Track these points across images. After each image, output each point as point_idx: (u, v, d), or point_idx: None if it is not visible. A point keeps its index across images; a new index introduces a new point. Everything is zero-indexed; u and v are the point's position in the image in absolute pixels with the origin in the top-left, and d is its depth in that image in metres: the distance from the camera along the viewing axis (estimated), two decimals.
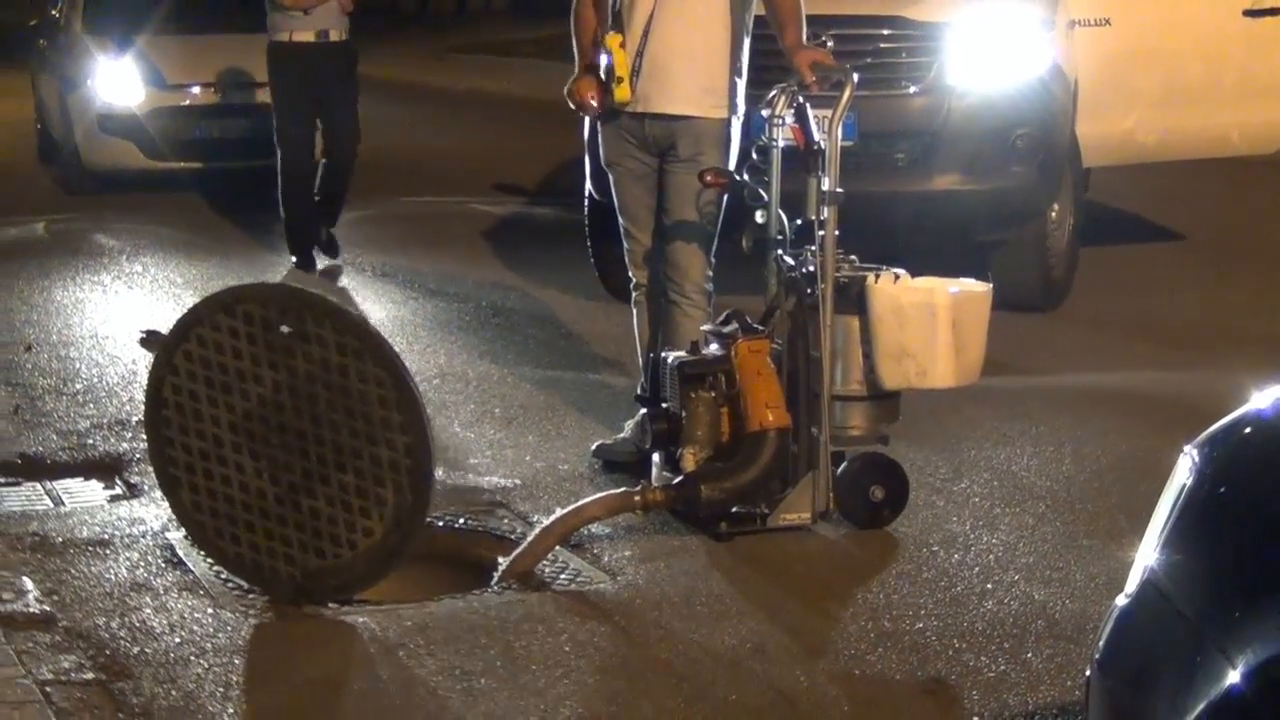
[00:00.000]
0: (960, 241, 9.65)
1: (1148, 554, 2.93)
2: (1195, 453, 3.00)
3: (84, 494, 6.73)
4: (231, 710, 4.79)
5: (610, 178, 7.09)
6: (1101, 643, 2.95)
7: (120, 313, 10.01)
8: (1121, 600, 2.96)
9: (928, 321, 6.10)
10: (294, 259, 11.32)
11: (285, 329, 5.43)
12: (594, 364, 8.79)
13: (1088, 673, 3.00)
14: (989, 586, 5.72)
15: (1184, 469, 2.90)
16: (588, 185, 9.88)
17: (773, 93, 6.46)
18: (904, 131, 9.22)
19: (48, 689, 4.78)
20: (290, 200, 11.29)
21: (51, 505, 6.56)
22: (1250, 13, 10.58)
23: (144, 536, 6.13)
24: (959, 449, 7.24)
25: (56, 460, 7.13)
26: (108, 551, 6.01)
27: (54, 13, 16.26)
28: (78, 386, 8.28)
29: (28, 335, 9.33)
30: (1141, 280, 10.97)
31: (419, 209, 14.25)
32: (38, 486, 6.80)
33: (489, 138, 19.44)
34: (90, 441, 7.33)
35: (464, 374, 8.52)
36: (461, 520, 6.39)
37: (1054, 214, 9.83)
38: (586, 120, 9.37)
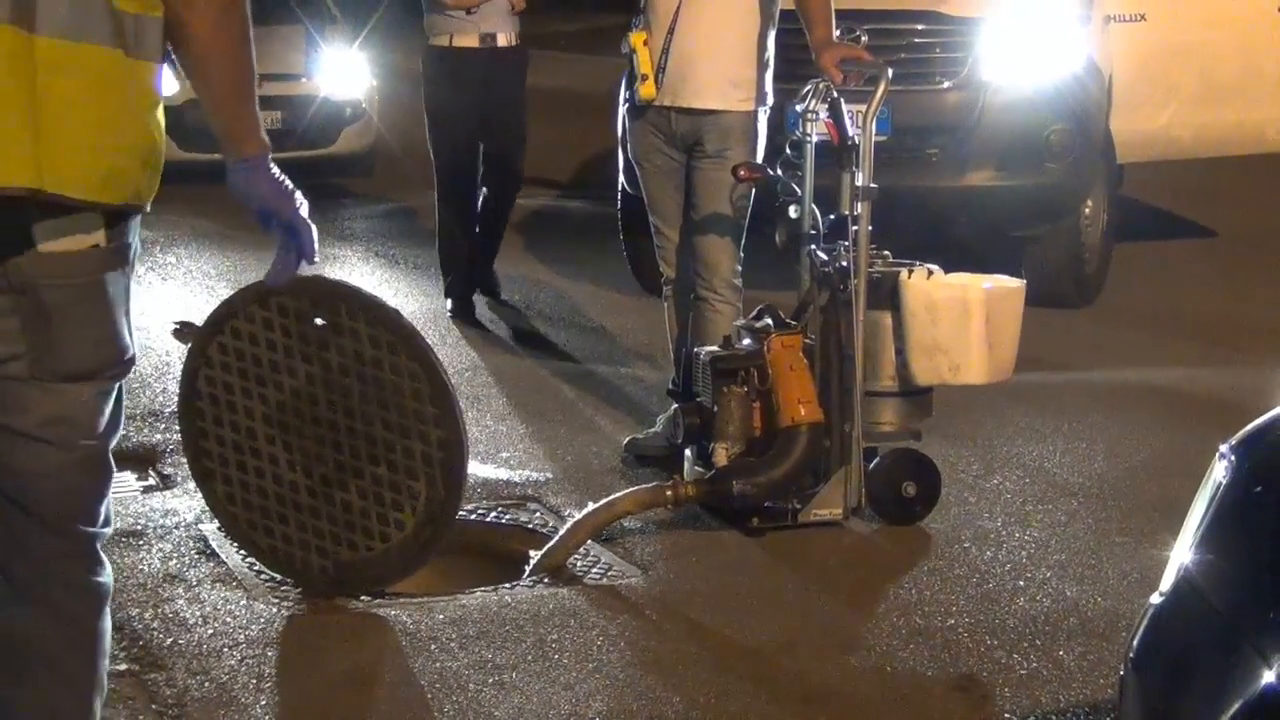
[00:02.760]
0: (993, 237, 9.64)
1: (1182, 553, 2.92)
2: (1231, 452, 2.99)
3: (117, 484, 6.65)
4: (264, 702, 4.80)
5: (639, 173, 7.09)
6: (1136, 641, 2.95)
7: (154, 304, 10.00)
8: (1156, 599, 2.95)
9: (961, 317, 6.10)
10: (449, 306, 9.70)
11: (319, 321, 5.44)
12: (626, 358, 8.79)
13: (1121, 671, 2.99)
14: (1021, 584, 5.71)
15: (1220, 469, 2.90)
16: (620, 179, 9.88)
17: (807, 87, 6.45)
18: (938, 127, 9.21)
19: None
20: (449, 236, 9.75)
21: None
22: None
23: (177, 528, 6.15)
24: (991, 445, 7.22)
25: None
26: (141, 543, 6.02)
27: None
28: None
29: None
30: (1174, 276, 10.94)
31: None
32: None
33: None
34: (124, 432, 7.31)
35: (496, 367, 8.53)
36: (492, 514, 6.40)
37: (1088, 210, 9.80)
38: (620, 114, 9.40)
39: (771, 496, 6.07)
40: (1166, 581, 2.96)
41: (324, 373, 5.44)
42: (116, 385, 3.59)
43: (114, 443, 3.62)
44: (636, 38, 6.77)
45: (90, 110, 3.33)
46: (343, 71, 14.78)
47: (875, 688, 4.92)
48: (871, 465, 6.23)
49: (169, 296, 10.29)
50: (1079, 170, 9.49)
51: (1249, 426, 3.10)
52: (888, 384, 6.25)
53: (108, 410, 3.57)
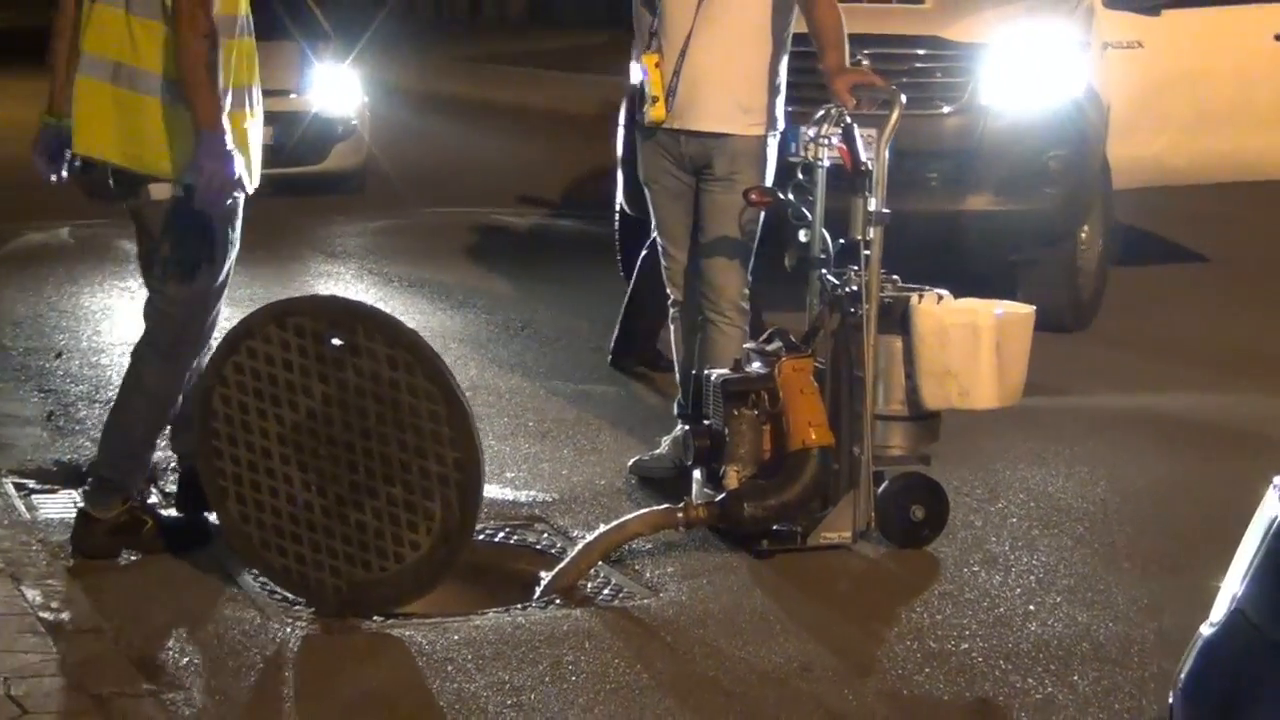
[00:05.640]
0: (991, 261, 9.68)
1: (1234, 584, 2.95)
2: None
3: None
4: None
5: (647, 195, 7.10)
6: (1184, 672, 2.98)
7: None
8: (1207, 630, 2.98)
9: (971, 342, 6.13)
10: (612, 357, 9.04)
11: (336, 342, 5.45)
12: (625, 379, 8.81)
13: (1170, 699, 3.02)
14: (1031, 608, 5.73)
15: (1274, 500, 2.93)
16: (618, 199, 9.90)
17: (820, 112, 6.47)
18: (938, 151, 9.26)
19: (102, 700, 4.79)
20: (643, 287, 8.69)
21: None
22: None
23: (186, 546, 6.14)
24: (994, 469, 7.25)
25: None
26: (148, 562, 6.01)
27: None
28: (111, 394, 8.23)
29: (58, 342, 9.35)
30: (1167, 302, 10.99)
31: (443, 220, 14.27)
32: (74, 494, 6.80)
33: (508, 149, 19.47)
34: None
35: (496, 387, 8.54)
36: (500, 534, 6.41)
37: (1084, 235, 9.86)
38: (620, 136, 9.43)
39: (781, 519, 6.09)
40: (1218, 613, 2.98)
41: (340, 393, 5.46)
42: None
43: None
44: (649, 59, 6.79)
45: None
46: (335, 88, 14.83)
47: (894, 711, 4.94)
48: (880, 489, 6.25)
49: None
50: (1077, 196, 9.56)
51: None
52: (897, 408, 6.27)
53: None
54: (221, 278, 5.92)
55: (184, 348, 5.95)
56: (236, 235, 5.91)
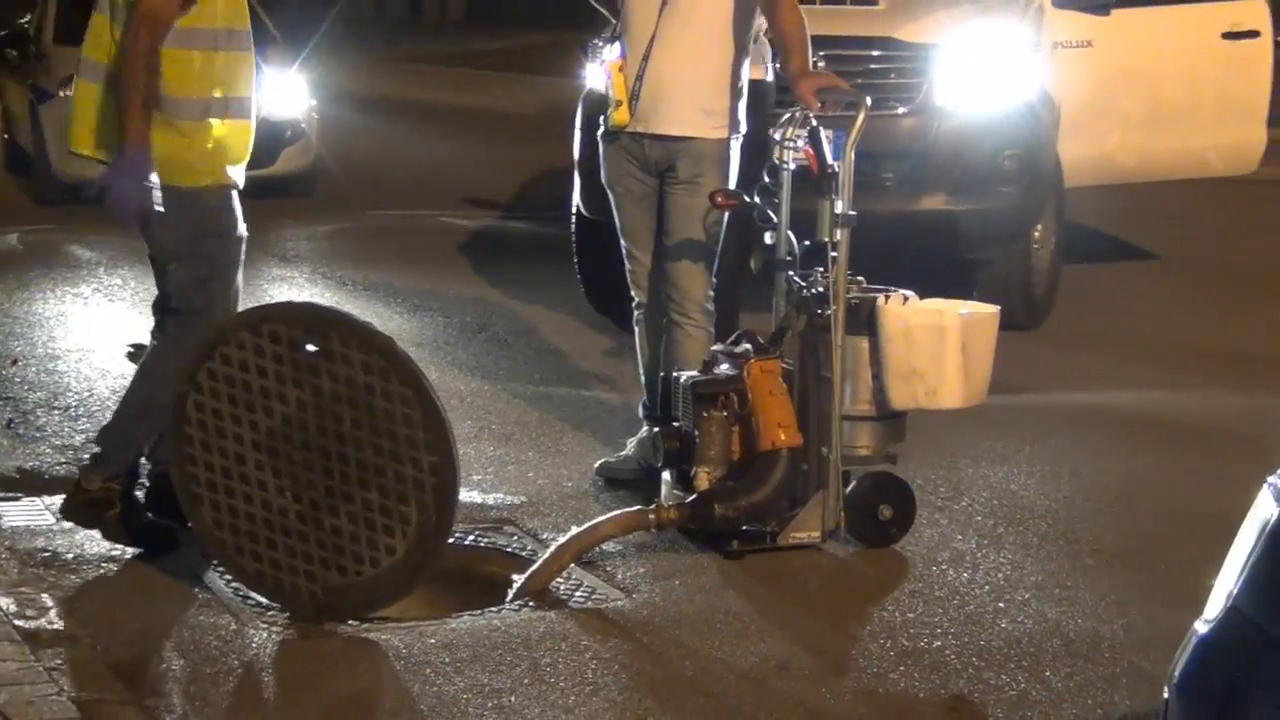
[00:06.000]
0: (945, 261, 9.74)
1: (1228, 582, 3.00)
2: None
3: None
4: None
5: (611, 198, 7.13)
6: (1179, 668, 3.02)
7: (104, 325, 10.00)
8: (1202, 627, 3.03)
9: (937, 343, 6.18)
10: None
11: (311, 348, 5.47)
12: (585, 380, 8.84)
13: (1165, 694, 3.07)
14: (1001, 605, 5.79)
15: (1268, 499, 2.98)
16: (574, 201, 9.93)
17: (785, 115, 6.52)
18: (892, 152, 9.31)
19: (85, 707, 4.80)
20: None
21: (54, 521, 6.53)
22: (1229, 35, 10.74)
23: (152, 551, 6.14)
24: (956, 467, 7.32)
25: (54, 475, 7.12)
26: (119, 568, 6.02)
27: (23, 23, 16.23)
28: (69, 400, 8.27)
29: (13, 349, 9.31)
30: (1119, 299, 11.10)
31: (389, 222, 14.29)
32: (37, 501, 6.80)
33: (453, 150, 19.45)
34: (86, 457, 7.30)
35: (456, 390, 8.55)
36: (470, 537, 6.43)
37: (1038, 233, 9.94)
38: (577, 138, 9.46)
39: (751, 520, 6.13)
40: (1212, 609, 3.03)
41: (315, 398, 5.48)
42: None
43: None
44: (613, 63, 6.82)
45: None
46: (282, 92, 14.78)
47: (872, 710, 4.98)
48: (848, 489, 6.30)
49: (118, 318, 10.26)
50: (1031, 195, 9.64)
51: None
52: (864, 408, 6.32)
53: None
54: (220, 269, 6.10)
55: (181, 330, 6.11)
56: (234, 230, 6.12)
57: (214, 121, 5.99)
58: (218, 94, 5.99)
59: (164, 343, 6.19)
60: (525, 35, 32.44)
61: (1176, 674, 3.03)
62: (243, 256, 6.15)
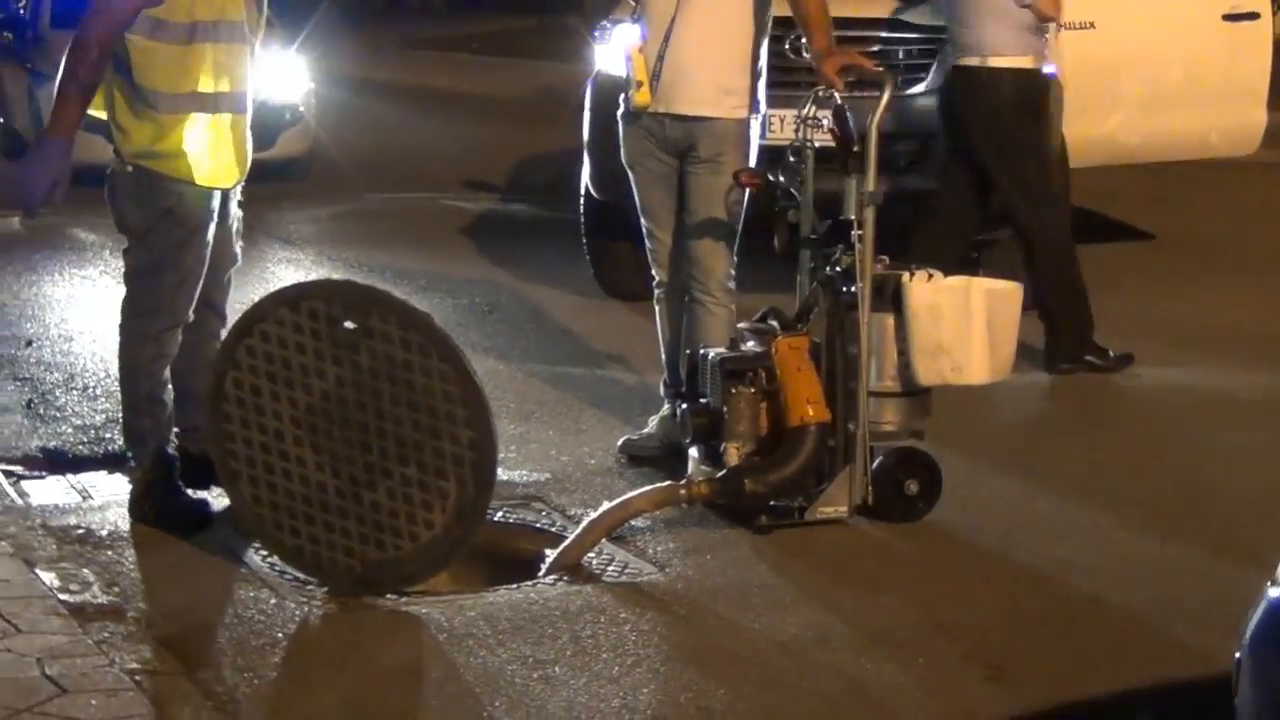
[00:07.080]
0: (947, 242, 9.78)
1: None
2: None
3: (110, 487, 6.74)
4: (318, 698, 4.88)
5: (631, 178, 7.19)
6: (1251, 628, 3.10)
7: (113, 306, 9.93)
8: (1274, 591, 3.11)
9: (963, 318, 6.25)
10: None
11: (349, 325, 5.52)
12: (599, 360, 8.89)
13: (1237, 654, 3.14)
14: (1032, 577, 5.86)
15: None
16: (584, 183, 9.97)
17: (809, 94, 6.58)
18: (903, 133, 9.35)
19: (136, 678, 4.85)
20: None
21: (81, 499, 6.60)
22: (1229, 17, 10.80)
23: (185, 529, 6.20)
24: (979, 442, 7.36)
25: (77, 454, 7.17)
26: (152, 544, 6.06)
27: (19, 7, 16.22)
28: (87, 380, 8.32)
29: (26, 330, 9.34)
30: (1119, 279, 11.13)
31: (390, 205, 14.29)
32: (63, 480, 6.85)
33: (447, 133, 19.42)
34: (108, 435, 7.36)
35: None
36: (499, 514, 6.48)
37: None
38: (586, 120, 9.50)
39: (780, 495, 6.20)
40: None
41: (354, 375, 5.53)
42: None
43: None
44: (634, 48, 6.87)
45: None
46: (280, 75, 14.76)
47: (911, 680, 5.05)
48: (875, 464, 6.37)
49: None
50: None
51: None
52: (890, 384, 6.38)
53: None
54: (175, 261, 6.18)
55: (137, 321, 6.29)
56: (203, 229, 6.22)
57: (197, 116, 6.07)
58: (200, 89, 6.05)
59: (120, 336, 6.33)
60: (508, 20, 32.40)
61: (1248, 635, 3.10)
62: (224, 268, 6.41)
